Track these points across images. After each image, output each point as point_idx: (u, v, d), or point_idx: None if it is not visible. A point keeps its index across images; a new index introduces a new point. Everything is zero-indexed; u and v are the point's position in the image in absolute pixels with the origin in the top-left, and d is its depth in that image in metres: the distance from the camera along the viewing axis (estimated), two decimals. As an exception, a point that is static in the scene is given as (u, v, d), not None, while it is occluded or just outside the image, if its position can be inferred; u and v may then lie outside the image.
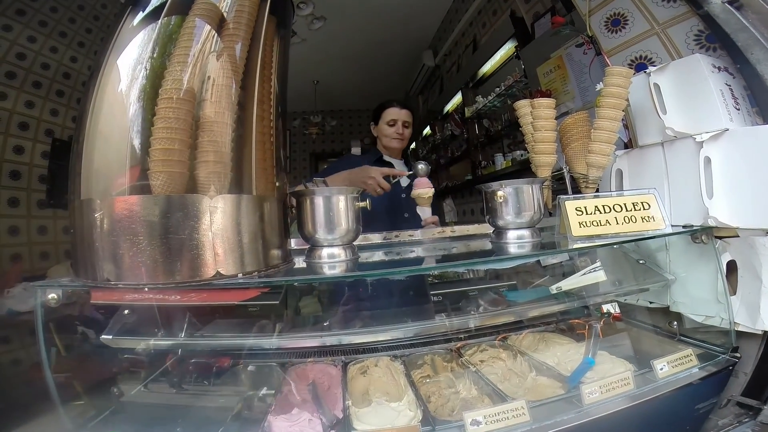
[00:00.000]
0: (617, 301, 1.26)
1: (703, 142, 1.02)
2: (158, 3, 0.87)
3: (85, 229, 0.74)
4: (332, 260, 0.94)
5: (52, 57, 2.66)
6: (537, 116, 1.11)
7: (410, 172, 1.46)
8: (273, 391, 1.06)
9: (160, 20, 0.83)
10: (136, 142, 0.75)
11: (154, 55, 0.80)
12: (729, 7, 1.08)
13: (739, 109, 1.04)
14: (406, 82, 6.01)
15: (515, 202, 1.00)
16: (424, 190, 1.40)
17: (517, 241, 1.02)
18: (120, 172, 0.74)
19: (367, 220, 1.46)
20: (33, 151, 2.54)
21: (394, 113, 1.80)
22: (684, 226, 1.08)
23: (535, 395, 0.96)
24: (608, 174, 1.31)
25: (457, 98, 4.34)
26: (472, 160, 4.02)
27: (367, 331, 1.29)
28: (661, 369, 0.96)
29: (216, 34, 0.84)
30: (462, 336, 1.31)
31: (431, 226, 1.44)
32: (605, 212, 0.99)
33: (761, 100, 1.04)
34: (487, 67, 3.58)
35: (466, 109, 4.01)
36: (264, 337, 1.29)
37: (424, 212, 1.45)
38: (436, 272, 1.60)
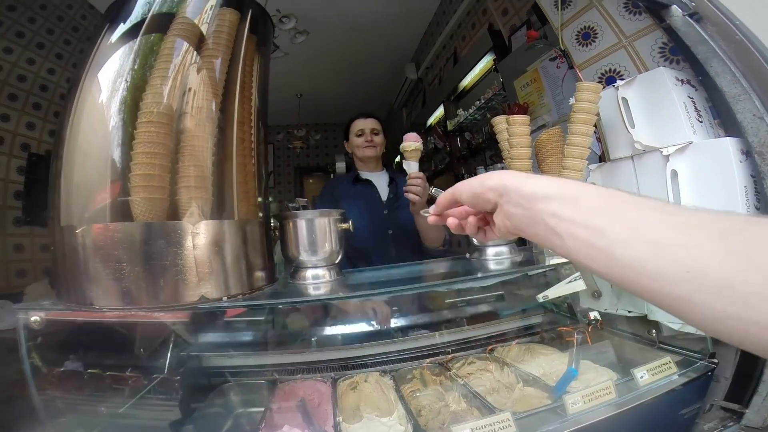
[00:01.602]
0: (597, 311, 1.28)
1: (669, 155, 1.05)
2: (137, 20, 0.86)
3: (67, 253, 0.74)
4: (317, 281, 0.95)
5: (29, 69, 2.59)
6: (512, 133, 1.14)
7: None
8: (262, 409, 1.04)
9: (138, 39, 0.83)
10: (117, 166, 0.75)
11: (133, 76, 0.80)
12: (689, 19, 1.10)
13: (702, 122, 1.07)
14: (390, 95, 6.05)
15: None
16: (409, 143, 1.33)
17: (496, 257, 1.04)
18: (100, 196, 0.74)
19: (348, 238, 1.45)
20: (8, 166, 2.46)
21: (360, 123, 1.83)
22: (655, 237, 1.10)
23: (522, 406, 0.97)
24: (583, 187, 1.33)
25: (440, 111, 4.38)
26: (455, 173, 4.04)
27: (356, 346, 1.30)
28: (642, 377, 0.97)
29: (195, 54, 0.84)
30: (450, 349, 1.31)
31: (416, 181, 1.35)
32: (579, 225, 1.01)
33: (722, 112, 1.08)
34: (468, 80, 3.64)
35: (448, 122, 4.05)
36: (252, 355, 1.28)
37: (410, 167, 1.36)
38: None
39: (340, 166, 4.19)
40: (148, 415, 1.05)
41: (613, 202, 0.39)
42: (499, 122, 1.21)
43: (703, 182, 1.02)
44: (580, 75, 1.53)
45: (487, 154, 3.61)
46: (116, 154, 0.75)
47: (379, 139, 1.83)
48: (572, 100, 1.15)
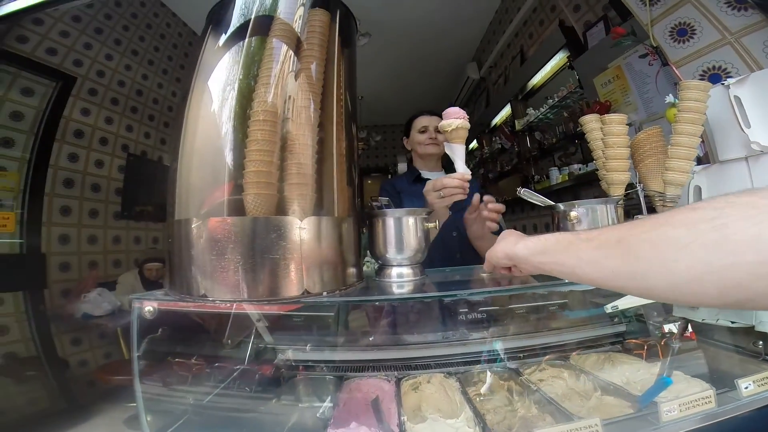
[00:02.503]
0: (692, 321, 1.18)
1: (793, 157, 0.95)
2: (238, 25, 0.91)
3: (183, 246, 0.79)
4: (401, 279, 0.97)
5: (127, 75, 2.84)
6: (608, 133, 1.08)
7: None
8: (330, 404, 1.08)
9: (241, 45, 0.88)
10: (229, 164, 0.79)
11: (239, 82, 0.84)
12: (811, 15, 1.01)
13: (832, 122, 0.96)
14: (451, 95, 6.00)
15: (590, 223, 0.98)
16: (449, 121, 1.02)
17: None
18: (216, 192, 0.79)
19: None
20: (111, 165, 2.71)
21: (425, 120, 1.78)
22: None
23: (601, 414, 0.91)
24: (685, 191, 1.24)
25: (506, 111, 4.26)
26: (524, 174, 3.89)
27: (421, 346, 1.30)
28: (746, 388, 0.91)
29: (295, 58, 0.88)
30: (521, 355, 1.28)
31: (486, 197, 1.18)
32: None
33: None
34: (537, 79, 3.52)
35: (516, 121, 3.92)
36: (321, 350, 1.33)
37: (455, 152, 1.08)
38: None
39: (402, 167, 4.18)
40: (222, 405, 1.09)
41: (564, 244, 0.59)
42: (590, 121, 1.14)
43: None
44: (677, 72, 1.44)
45: (555, 155, 3.43)
46: (228, 153, 0.80)
47: (442, 137, 1.78)
48: (669, 98, 1.08)
